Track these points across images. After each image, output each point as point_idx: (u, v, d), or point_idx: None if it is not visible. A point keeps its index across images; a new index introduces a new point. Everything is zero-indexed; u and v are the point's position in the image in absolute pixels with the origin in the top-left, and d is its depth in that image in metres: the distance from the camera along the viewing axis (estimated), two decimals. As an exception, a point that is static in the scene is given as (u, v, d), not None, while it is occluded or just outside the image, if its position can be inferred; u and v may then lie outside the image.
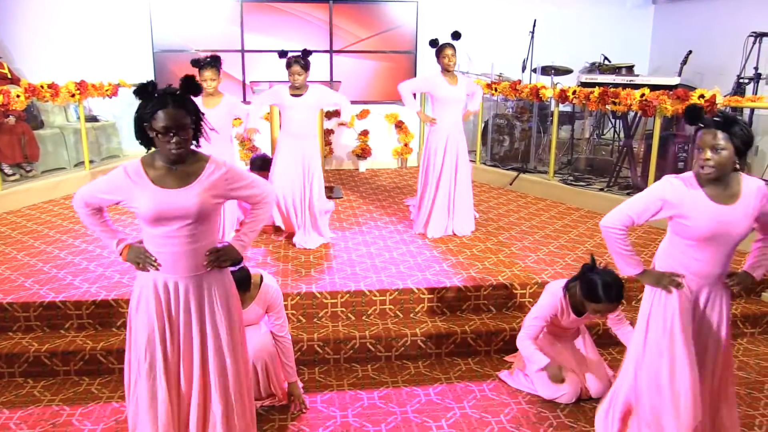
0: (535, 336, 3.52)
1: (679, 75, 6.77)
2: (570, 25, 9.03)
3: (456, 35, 5.34)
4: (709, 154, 2.40)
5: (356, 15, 8.66)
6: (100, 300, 4.00)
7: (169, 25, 8.36)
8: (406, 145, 9.02)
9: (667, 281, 2.62)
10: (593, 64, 8.30)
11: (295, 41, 8.38)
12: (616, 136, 7.76)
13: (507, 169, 7.74)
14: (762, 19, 7.30)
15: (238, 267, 3.05)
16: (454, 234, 5.50)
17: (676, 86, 6.04)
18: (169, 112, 2.26)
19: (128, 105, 7.78)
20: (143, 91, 2.31)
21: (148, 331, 2.47)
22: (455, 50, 5.28)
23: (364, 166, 8.94)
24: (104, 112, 8.29)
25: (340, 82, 7.10)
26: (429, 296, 4.27)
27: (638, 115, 6.52)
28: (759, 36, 6.73)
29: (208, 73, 4.93)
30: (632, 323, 4.06)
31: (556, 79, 7.82)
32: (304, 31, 8.53)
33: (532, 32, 8.17)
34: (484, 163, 8.11)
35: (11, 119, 6.57)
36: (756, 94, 6.67)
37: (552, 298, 3.46)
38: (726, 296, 2.70)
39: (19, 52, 8.14)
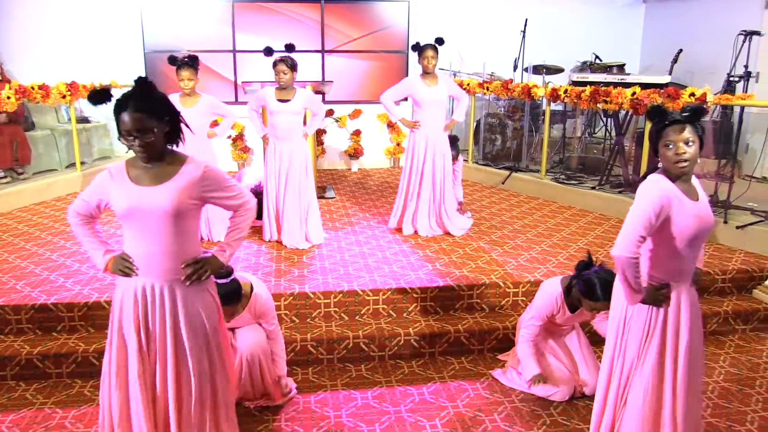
0: (534, 336, 3.53)
1: (670, 73, 6.81)
2: (561, 24, 9.05)
3: (439, 41, 5.34)
4: (684, 148, 2.41)
5: (348, 15, 8.66)
6: (92, 302, 3.99)
7: (161, 25, 8.33)
8: (398, 144, 9.02)
9: (661, 297, 2.55)
10: (584, 62, 8.32)
11: (286, 41, 8.33)
12: (607, 134, 7.79)
13: (499, 168, 7.75)
14: (752, 18, 7.34)
15: (229, 279, 3.05)
16: (447, 233, 5.52)
17: (666, 84, 6.08)
18: (129, 116, 2.24)
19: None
20: (95, 97, 2.35)
21: (125, 335, 2.47)
22: (436, 52, 5.28)
23: (356, 165, 8.94)
24: (95, 113, 8.25)
25: (332, 82, 7.09)
26: (422, 295, 4.27)
27: (629, 113, 6.55)
28: (749, 34, 6.76)
29: (186, 73, 4.91)
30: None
31: (548, 78, 7.85)
32: (295, 31, 8.52)
33: (524, 31, 8.18)
34: (476, 162, 8.13)
35: (2, 117, 6.54)
36: (746, 92, 6.69)
37: (548, 296, 3.47)
38: (694, 291, 2.67)
39: (9, 53, 8.09)
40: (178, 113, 2.39)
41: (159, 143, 2.33)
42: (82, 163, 7.41)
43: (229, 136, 8.57)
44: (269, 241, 5.28)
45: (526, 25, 8.18)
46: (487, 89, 7.59)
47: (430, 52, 5.25)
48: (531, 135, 7.90)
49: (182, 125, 2.42)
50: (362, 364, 3.96)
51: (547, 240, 5.37)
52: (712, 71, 7.47)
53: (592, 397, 3.50)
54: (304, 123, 5.44)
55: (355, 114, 8.86)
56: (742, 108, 6.21)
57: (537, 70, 8.02)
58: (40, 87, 6.54)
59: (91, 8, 8.22)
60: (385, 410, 3.42)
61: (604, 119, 7.93)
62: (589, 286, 3.24)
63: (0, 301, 3.98)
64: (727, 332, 4.37)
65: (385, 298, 4.24)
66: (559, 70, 8.12)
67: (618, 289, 2.67)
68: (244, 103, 8.25)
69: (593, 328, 3.81)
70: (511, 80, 7.54)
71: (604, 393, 2.78)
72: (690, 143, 2.41)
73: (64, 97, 6.79)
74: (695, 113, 2.42)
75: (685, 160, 2.42)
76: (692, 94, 5.40)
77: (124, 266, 2.44)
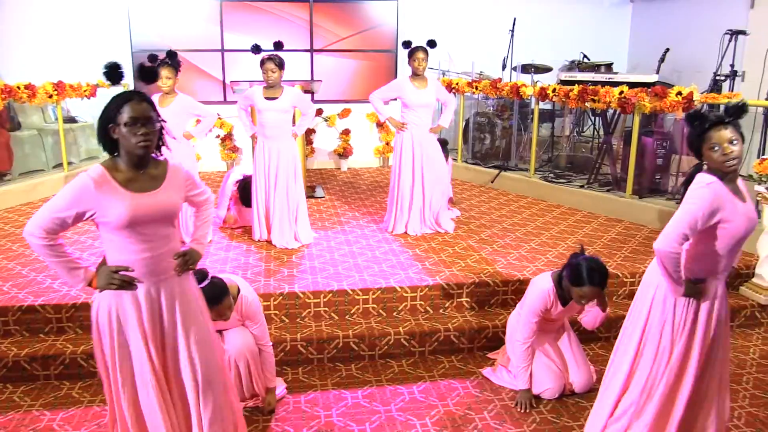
0: (531, 335, 3.46)
1: (657, 72, 6.86)
2: (549, 24, 9.09)
3: (432, 43, 5.34)
4: (730, 147, 2.44)
5: (337, 14, 8.65)
6: (80, 303, 3.96)
7: (148, 24, 8.28)
8: (387, 144, 9.02)
9: (699, 290, 2.61)
10: (572, 62, 8.37)
11: (275, 40, 8.32)
12: (595, 133, 7.83)
13: (488, 167, 7.77)
14: (737, 17, 7.41)
15: (208, 280, 3.05)
16: (438, 231, 5.53)
17: (654, 83, 6.12)
18: (136, 104, 2.26)
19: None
20: (111, 72, 2.39)
21: (130, 347, 2.41)
22: (427, 55, 5.28)
23: (345, 165, 8.93)
24: (83, 113, 8.19)
25: (321, 81, 7.08)
26: (412, 294, 4.28)
27: (617, 112, 6.59)
28: (734, 34, 6.82)
29: (165, 72, 4.84)
30: (618, 319, 4.10)
31: (536, 77, 7.87)
32: (284, 30, 8.50)
33: (512, 31, 8.21)
34: (466, 161, 8.14)
35: None
36: (732, 90, 6.76)
37: (540, 292, 3.44)
38: (724, 284, 2.73)
39: (-6, 52, 8.03)
40: (162, 120, 2.41)
41: (156, 139, 2.34)
42: (70, 163, 7.35)
43: (218, 136, 8.54)
44: (259, 240, 5.26)
45: (514, 24, 8.20)
46: (476, 88, 7.60)
47: (420, 54, 5.25)
48: (520, 134, 7.92)
49: (164, 131, 2.44)
50: (352, 363, 3.96)
51: (537, 238, 5.39)
52: (699, 70, 7.54)
53: (581, 395, 3.53)
54: (294, 123, 5.43)
55: (345, 113, 8.86)
56: (729, 107, 6.23)
57: (525, 69, 8.04)
58: (26, 87, 6.48)
59: (78, 7, 8.15)
60: (375, 409, 3.42)
61: (593, 118, 7.98)
62: (576, 272, 3.25)
63: (-14, 302, 3.94)
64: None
65: (374, 297, 4.24)
66: (548, 69, 8.15)
67: (645, 281, 2.75)
68: (233, 102, 8.24)
69: (581, 326, 3.82)
70: (500, 79, 7.56)
71: (624, 381, 2.81)
72: (734, 142, 2.44)
73: (50, 96, 6.74)
74: (738, 111, 2.47)
75: (734, 158, 2.45)
76: (679, 93, 5.44)
77: (118, 279, 2.33)
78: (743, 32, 6.87)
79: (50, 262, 2.37)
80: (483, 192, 7.31)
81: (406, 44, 5.39)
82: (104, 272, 2.35)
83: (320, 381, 3.74)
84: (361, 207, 6.55)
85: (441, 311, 4.32)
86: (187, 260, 2.51)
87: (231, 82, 6.95)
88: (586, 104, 6.26)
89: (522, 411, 3.41)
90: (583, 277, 3.21)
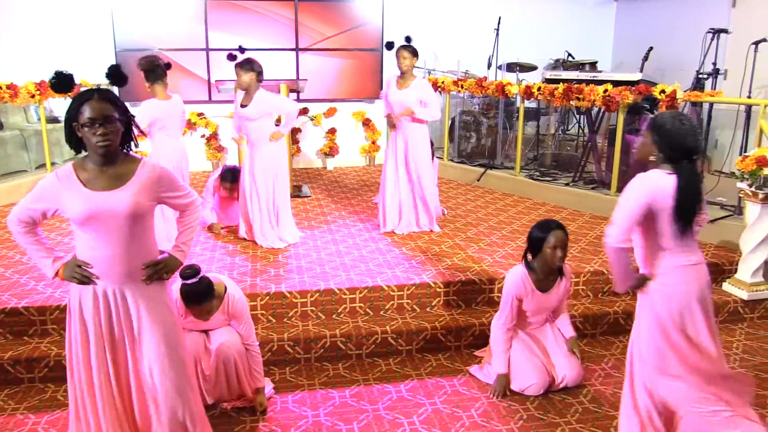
0: (508, 322, 3.55)
1: (641, 71, 6.91)
2: (534, 23, 9.14)
3: (407, 39, 5.34)
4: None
5: (322, 13, 8.63)
6: (64, 305, 3.91)
7: (132, 23, 8.21)
8: (373, 143, 9.02)
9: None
10: (557, 60, 8.41)
11: (260, 39, 8.32)
12: (580, 131, 7.88)
13: (474, 166, 7.79)
14: (719, 16, 7.48)
15: (198, 278, 3.02)
16: (422, 230, 5.54)
17: (637, 82, 6.17)
18: (95, 104, 2.27)
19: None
20: (58, 81, 2.43)
21: (89, 340, 2.47)
22: (411, 53, 5.26)
23: (331, 164, 8.92)
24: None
25: (306, 80, 7.06)
26: (398, 293, 4.28)
27: (602, 110, 6.63)
28: (717, 32, 6.89)
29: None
30: (615, 319, 4.12)
31: (521, 75, 7.90)
32: (269, 29, 8.47)
33: (497, 29, 8.24)
34: (452, 160, 8.16)
35: None
36: (714, 89, 6.83)
37: (513, 277, 3.55)
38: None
39: (-25, 52, 7.93)
40: (132, 116, 2.42)
41: (118, 137, 2.35)
42: (53, 163, 7.27)
43: (203, 135, 8.51)
44: (245, 240, 5.24)
45: (499, 23, 8.24)
46: (462, 87, 7.62)
47: (403, 53, 5.26)
48: (505, 132, 7.95)
49: (134, 128, 2.46)
50: (339, 362, 3.96)
51: (522, 236, 5.40)
52: (682, 69, 7.61)
53: (567, 391, 3.55)
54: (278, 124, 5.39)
55: (330, 112, 8.84)
56: (711, 104, 6.32)
57: (511, 67, 8.07)
58: (8, 86, 6.41)
59: (61, 6, 8.07)
60: (363, 408, 3.42)
61: (577, 116, 8.03)
62: (532, 235, 3.52)
63: (-31, 305, 3.90)
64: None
65: (361, 296, 4.24)
66: (533, 68, 8.19)
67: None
68: (218, 102, 8.26)
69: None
70: (486, 78, 7.59)
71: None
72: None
73: (33, 96, 6.66)
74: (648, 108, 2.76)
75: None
76: (663, 91, 5.49)
77: (79, 273, 2.42)
78: (725, 31, 6.94)
79: (26, 249, 2.54)
80: (469, 190, 7.33)
81: (389, 45, 5.43)
82: (69, 265, 2.46)
83: (308, 381, 3.73)
84: (347, 206, 6.54)
85: (428, 309, 4.33)
86: (160, 269, 2.48)
87: (216, 81, 6.92)
88: (571, 102, 6.30)
89: (494, 398, 3.49)
90: (541, 229, 3.48)
